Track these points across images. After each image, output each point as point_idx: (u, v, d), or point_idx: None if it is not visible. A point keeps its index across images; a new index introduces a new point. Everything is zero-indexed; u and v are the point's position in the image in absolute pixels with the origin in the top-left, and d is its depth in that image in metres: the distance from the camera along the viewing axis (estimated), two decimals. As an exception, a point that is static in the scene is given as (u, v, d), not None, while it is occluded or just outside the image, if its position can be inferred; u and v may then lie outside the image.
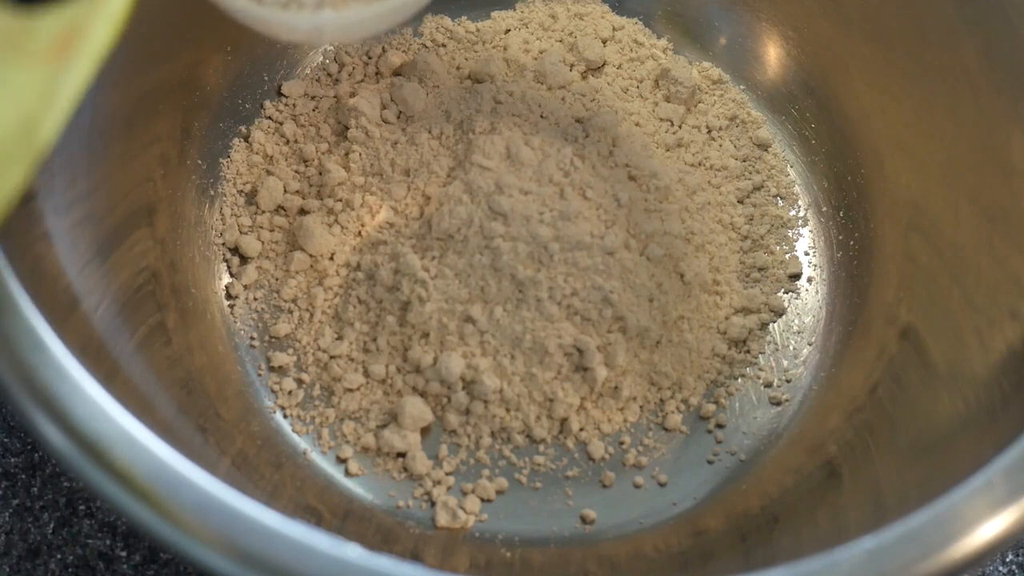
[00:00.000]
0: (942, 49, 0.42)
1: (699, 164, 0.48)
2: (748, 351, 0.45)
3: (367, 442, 0.42)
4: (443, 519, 0.40)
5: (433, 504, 0.41)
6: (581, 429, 0.43)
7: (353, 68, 0.49)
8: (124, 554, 0.41)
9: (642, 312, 0.43)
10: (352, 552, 0.27)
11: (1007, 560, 0.43)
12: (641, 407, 0.43)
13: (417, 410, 0.42)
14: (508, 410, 0.42)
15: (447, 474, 0.42)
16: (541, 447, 0.43)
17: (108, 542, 0.41)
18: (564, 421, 0.43)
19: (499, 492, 0.42)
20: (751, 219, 0.47)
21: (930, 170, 0.43)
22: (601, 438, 0.43)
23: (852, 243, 0.46)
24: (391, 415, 0.42)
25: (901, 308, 0.42)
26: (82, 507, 0.42)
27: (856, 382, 0.42)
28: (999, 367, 0.35)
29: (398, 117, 0.47)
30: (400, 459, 0.42)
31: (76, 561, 0.41)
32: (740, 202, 0.48)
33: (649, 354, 0.43)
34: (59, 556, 0.41)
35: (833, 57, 0.48)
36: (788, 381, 0.45)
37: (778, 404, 0.44)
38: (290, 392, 0.43)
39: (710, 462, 0.43)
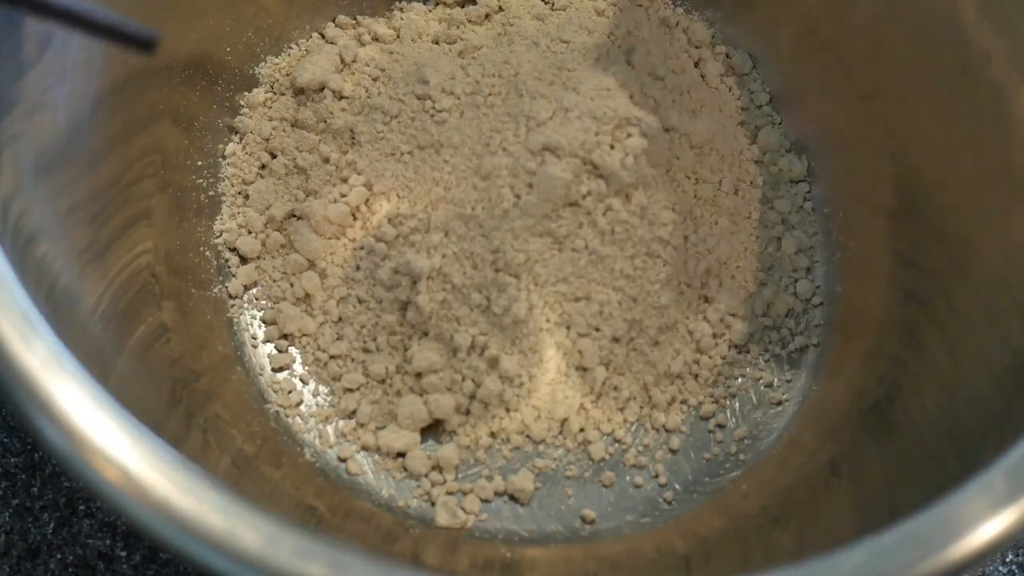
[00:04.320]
0: (944, 49, 0.42)
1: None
2: (748, 351, 0.45)
3: (367, 441, 0.42)
4: (443, 519, 0.40)
5: (433, 504, 0.41)
6: (581, 429, 0.43)
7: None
8: (124, 554, 0.41)
9: (641, 312, 0.43)
10: (353, 552, 0.27)
11: (1007, 560, 0.43)
12: (641, 407, 0.43)
13: (416, 410, 0.42)
14: (508, 410, 0.42)
15: (446, 474, 0.42)
16: (541, 447, 0.43)
17: (108, 542, 0.41)
18: (564, 421, 0.43)
19: (498, 492, 0.42)
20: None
21: (931, 168, 0.43)
22: (601, 438, 0.43)
23: (852, 243, 0.46)
24: (391, 415, 0.42)
25: (902, 308, 0.42)
26: (82, 507, 0.42)
27: (857, 382, 0.42)
28: (1001, 367, 0.35)
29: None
30: (400, 459, 0.42)
31: (76, 561, 0.41)
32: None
33: (649, 354, 0.43)
34: (59, 556, 0.41)
35: (832, 56, 0.48)
36: (788, 381, 0.45)
37: (778, 404, 0.44)
38: (290, 392, 0.43)
39: (709, 462, 0.43)
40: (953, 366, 0.38)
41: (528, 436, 0.42)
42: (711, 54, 0.50)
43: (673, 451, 0.43)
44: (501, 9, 0.51)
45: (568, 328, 0.43)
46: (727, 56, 0.50)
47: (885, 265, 0.44)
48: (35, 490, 0.42)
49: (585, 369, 0.43)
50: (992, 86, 0.39)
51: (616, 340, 0.43)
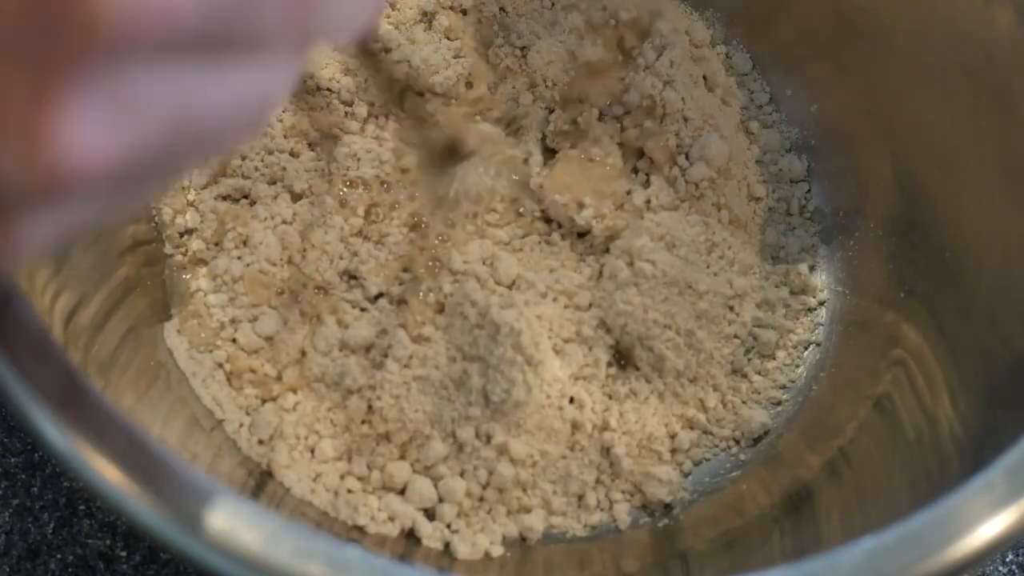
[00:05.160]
0: (944, 49, 0.42)
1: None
2: (749, 353, 0.45)
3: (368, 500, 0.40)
4: (463, 552, 0.39)
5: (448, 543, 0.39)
6: (598, 506, 0.41)
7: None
8: (124, 554, 0.41)
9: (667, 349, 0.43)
10: (352, 552, 0.27)
11: (1007, 560, 0.43)
12: (651, 427, 0.43)
13: (426, 490, 0.40)
14: (525, 490, 0.41)
15: (456, 531, 0.40)
16: (557, 519, 0.41)
17: (108, 542, 0.41)
18: (581, 497, 0.41)
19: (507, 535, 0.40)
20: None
21: (931, 169, 0.43)
22: (625, 500, 0.41)
23: (852, 243, 0.46)
24: (398, 485, 0.40)
25: (902, 308, 0.42)
26: (82, 507, 0.42)
27: (856, 382, 0.42)
28: (1001, 367, 0.35)
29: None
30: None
31: (76, 561, 0.41)
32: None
33: (659, 374, 0.43)
34: (59, 556, 0.41)
35: (831, 56, 0.48)
36: (789, 381, 0.44)
37: (778, 404, 0.44)
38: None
39: (710, 462, 0.43)
40: (954, 366, 0.38)
41: (547, 509, 0.41)
42: (712, 54, 0.50)
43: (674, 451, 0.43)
44: None
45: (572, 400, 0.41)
46: (727, 56, 0.50)
47: (886, 265, 0.44)
48: (35, 490, 0.42)
49: (608, 449, 0.41)
50: (993, 86, 0.39)
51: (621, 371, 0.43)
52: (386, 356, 0.41)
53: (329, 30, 0.19)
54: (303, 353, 0.41)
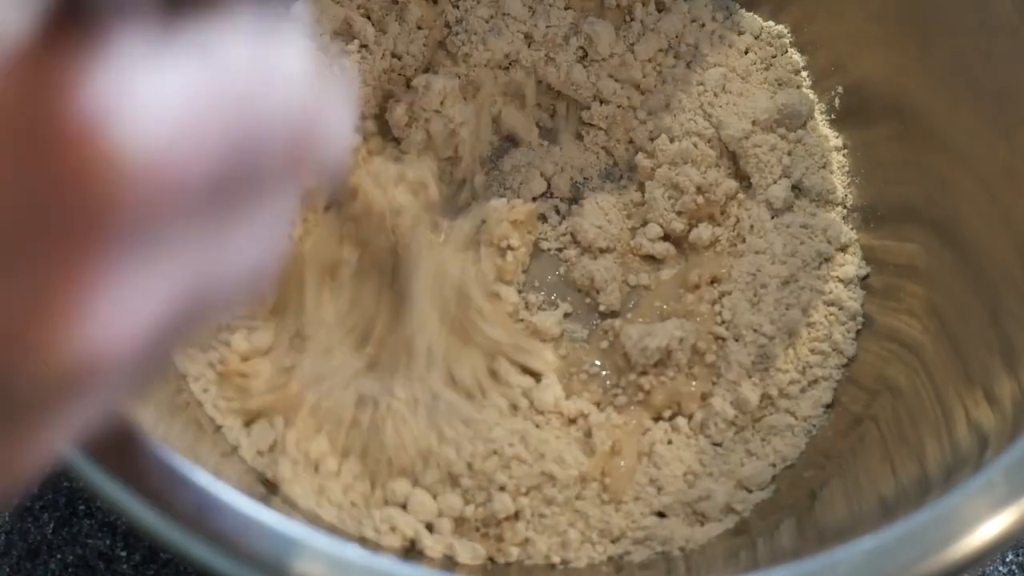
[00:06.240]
0: (948, 44, 0.42)
1: None
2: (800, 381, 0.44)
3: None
4: (465, 558, 0.39)
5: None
6: (612, 540, 0.40)
7: None
8: (124, 554, 0.41)
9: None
10: (352, 552, 0.27)
11: (1007, 560, 0.43)
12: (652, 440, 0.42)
13: (428, 503, 0.39)
14: (535, 531, 0.40)
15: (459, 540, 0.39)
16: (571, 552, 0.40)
17: (108, 542, 0.41)
18: (602, 532, 0.40)
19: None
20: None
21: (929, 170, 0.43)
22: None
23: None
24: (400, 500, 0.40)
25: (902, 311, 0.42)
26: (82, 507, 0.42)
27: (857, 383, 0.42)
28: (1003, 368, 0.35)
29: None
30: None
31: (76, 561, 0.41)
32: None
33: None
34: (59, 556, 0.41)
35: (828, 52, 0.48)
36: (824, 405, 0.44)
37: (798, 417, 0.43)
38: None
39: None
40: (955, 367, 0.38)
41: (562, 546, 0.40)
42: (714, 26, 0.49)
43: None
44: None
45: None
46: (727, 17, 0.49)
47: (887, 267, 0.44)
48: (35, 490, 0.42)
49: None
50: (993, 85, 0.39)
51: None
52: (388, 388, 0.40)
53: (320, 166, 0.19)
54: (293, 373, 0.40)
